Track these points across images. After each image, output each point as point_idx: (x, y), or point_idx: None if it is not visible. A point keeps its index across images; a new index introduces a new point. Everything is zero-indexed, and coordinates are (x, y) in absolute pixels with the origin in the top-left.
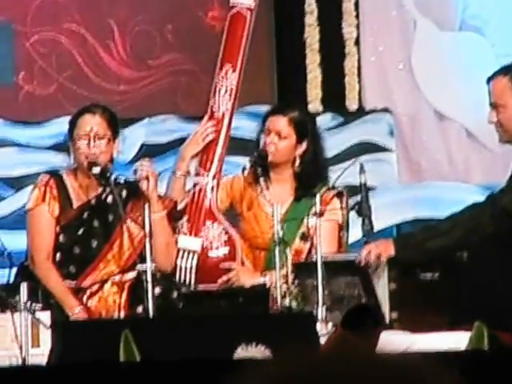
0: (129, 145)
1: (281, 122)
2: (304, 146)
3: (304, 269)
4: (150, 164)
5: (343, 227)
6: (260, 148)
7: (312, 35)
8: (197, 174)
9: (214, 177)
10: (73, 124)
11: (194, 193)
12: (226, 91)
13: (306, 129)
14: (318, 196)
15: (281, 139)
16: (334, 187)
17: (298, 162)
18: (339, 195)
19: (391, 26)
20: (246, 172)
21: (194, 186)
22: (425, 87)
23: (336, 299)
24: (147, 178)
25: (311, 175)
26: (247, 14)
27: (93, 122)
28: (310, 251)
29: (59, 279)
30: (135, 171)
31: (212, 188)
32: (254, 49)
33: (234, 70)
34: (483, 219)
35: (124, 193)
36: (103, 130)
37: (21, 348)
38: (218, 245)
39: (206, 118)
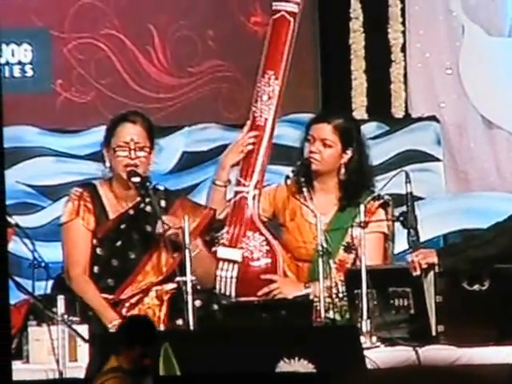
0: (169, 154)
1: (326, 130)
2: (349, 154)
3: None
4: (173, 221)
5: (389, 238)
6: (304, 157)
7: (357, 41)
8: (238, 184)
9: (255, 186)
10: (111, 132)
11: (234, 202)
12: (269, 98)
13: (351, 136)
14: (362, 206)
15: (326, 147)
16: (379, 197)
17: (343, 171)
18: (384, 205)
19: (438, 32)
20: (289, 181)
21: (235, 195)
22: (473, 94)
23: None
24: (176, 235)
25: (356, 184)
26: (291, 19)
27: (133, 132)
28: (354, 262)
29: (96, 292)
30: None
31: (254, 197)
32: (299, 55)
33: (276, 77)
34: None
35: (163, 202)
36: (143, 140)
37: (58, 361)
38: (259, 255)
39: (247, 126)
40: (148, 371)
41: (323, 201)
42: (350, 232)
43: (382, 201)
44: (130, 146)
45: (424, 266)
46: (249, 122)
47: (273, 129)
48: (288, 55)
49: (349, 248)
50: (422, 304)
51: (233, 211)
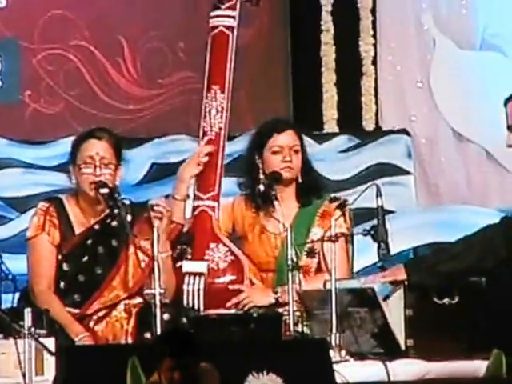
0: (138, 165)
1: (293, 136)
2: (302, 155)
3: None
4: (166, 205)
5: (348, 239)
6: (273, 170)
7: (328, 54)
8: (195, 198)
9: (213, 198)
10: (76, 148)
11: (195, 217)
12: (217, 112)
13: (302, 138)
14: (333, 220)
15: (296, 153)
16: (335, 198)
17: (299, 174)
18: (340, 206)
19: (409, 45)
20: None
21: (194, 210)
22: (444, 107)
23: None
24: (161, 219)
25: (312, 185)
26: (229, 33)
27: (99, 147)
28: (318, 266)
29: (62, 307)
30: (152, 208)
31: (213, 210)
32: (270, 68)
33: (222, 91)
34: (496, 242)
35: (129, 216)
36: (109, 157)
37: (24, 375)
38: (225, 266)
39: (203, 139)
40: None
41: (284, 208)
42: (310, 236)
43: (338, 202)
44: (95, 163)
45: (386, 281)
46: (205, 137)
47: (224, 142)
48: (231, 68)
49: (312, 252)
50: (385, 320)
51: (194, 225)
